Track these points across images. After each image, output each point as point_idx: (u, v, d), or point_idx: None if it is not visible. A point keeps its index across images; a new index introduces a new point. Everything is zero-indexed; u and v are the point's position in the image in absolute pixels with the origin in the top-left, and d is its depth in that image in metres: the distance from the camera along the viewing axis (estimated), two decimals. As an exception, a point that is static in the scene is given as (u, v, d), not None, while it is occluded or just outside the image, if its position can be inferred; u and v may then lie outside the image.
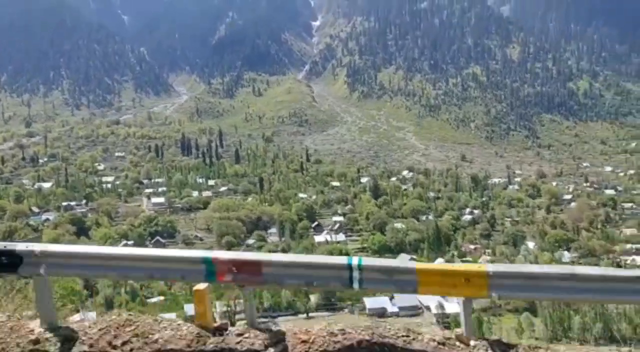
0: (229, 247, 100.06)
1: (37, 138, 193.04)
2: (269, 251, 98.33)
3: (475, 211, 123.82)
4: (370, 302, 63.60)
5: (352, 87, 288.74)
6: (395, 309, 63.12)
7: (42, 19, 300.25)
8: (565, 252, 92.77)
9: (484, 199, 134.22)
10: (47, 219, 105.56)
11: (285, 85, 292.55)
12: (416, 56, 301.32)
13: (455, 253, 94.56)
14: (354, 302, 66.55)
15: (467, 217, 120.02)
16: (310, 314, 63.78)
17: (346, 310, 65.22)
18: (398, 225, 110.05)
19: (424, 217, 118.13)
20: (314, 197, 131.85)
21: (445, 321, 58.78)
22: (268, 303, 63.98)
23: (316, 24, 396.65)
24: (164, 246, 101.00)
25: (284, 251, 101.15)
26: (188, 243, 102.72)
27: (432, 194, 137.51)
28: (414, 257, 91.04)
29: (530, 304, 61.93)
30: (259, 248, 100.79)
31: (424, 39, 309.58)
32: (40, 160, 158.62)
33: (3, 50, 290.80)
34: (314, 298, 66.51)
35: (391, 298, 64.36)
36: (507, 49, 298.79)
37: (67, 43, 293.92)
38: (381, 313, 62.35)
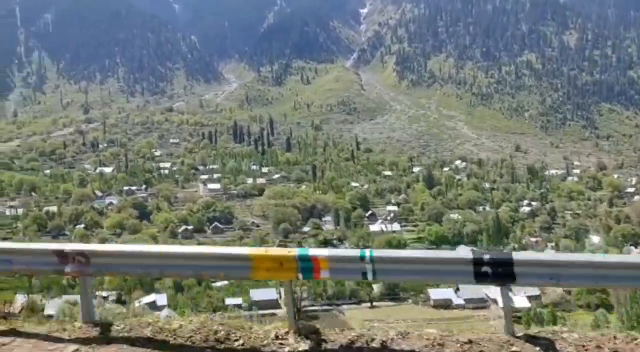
0: (286, 234, 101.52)
1: (95, 124, 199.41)
2: (325, 240, 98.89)
3: (534, 203, 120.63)
4: (434, 293, 62.93)
5: (401, 75, 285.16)
6: (461, 301, 62.30)
7: (97, 8, 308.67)
8: (633, 248, 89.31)
9: (542, 190, 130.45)
10: (111, 203, 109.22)
11: (333, 73, 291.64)
12: (467, 43, 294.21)
13: (516, 246, 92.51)
14: (417, 293, 66.07)
15: (525, 209, 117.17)
16: (374, 304, 63.73)
17: (410, 301, 64.81)
18: (454, 216, 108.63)
19: (480, 209, 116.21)
20: (366, 186, 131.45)
21: (514, 315, 57.59)
22: (332, 291, 64.30)
23: (364, 11, 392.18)
24: (222, 231, 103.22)
25: (339, 239, 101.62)
26: (245, 229, 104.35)
27: (487, 185, 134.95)
28: (474, 249, 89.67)
29: (603, 300, 60.07)
30: (314, 236, 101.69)
31: (476, 25, 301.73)
32: (100, 146, 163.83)
33: (61, 38, 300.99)
34: (377, 288, 66.30)
35: (456, 290, 63.54)
36: (563, 35, 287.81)
37: (121, 32, 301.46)
38: (446, 305, 61.66)
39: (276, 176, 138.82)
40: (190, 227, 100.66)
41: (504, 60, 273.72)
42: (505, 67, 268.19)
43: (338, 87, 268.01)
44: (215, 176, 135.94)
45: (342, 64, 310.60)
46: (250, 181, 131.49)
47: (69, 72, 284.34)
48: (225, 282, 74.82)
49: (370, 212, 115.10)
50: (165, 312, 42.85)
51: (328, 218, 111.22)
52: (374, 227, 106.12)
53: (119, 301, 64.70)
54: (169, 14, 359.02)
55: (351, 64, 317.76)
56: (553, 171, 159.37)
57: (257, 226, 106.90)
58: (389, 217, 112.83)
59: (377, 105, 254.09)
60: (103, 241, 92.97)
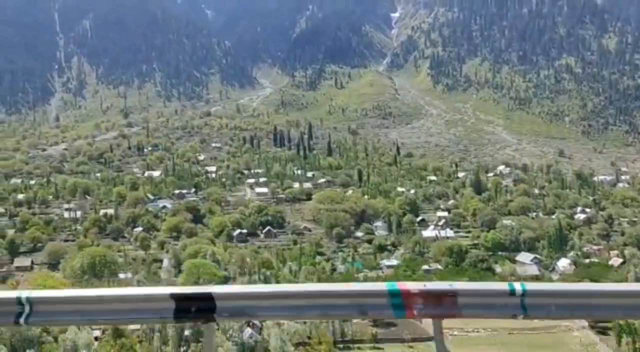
0: (339, 239, 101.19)
1: (137, 128, 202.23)
2: (380, 245, 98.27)
3: (588, 210, 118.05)
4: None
5: (435, 79, 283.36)
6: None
7: (135, 14, 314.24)
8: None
9: (595, 197, 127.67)
10: (165, 207, 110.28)
11: (366, 77, 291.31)
12: (503, 47, 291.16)
13: (579, 253, 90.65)
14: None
15: (580, 216, 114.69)
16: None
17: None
18: (507, 222, 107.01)
19: (532, 215, 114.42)
20: (412, 191, 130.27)
21: (599, 326, 56.08)
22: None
23: (395, 15, 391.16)
24: (275, 235, 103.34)
25: (394, 245, 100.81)
26: (298, 234, 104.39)
27: (536, 191, 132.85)
28: (537, 256, 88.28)
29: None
30: (369, 241, 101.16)
31: (512, 29, 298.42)
32: (145, 150, 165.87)
33: (99, 44, 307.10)
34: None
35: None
36: (602, 39, 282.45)
37: (158, 37, 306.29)
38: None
39: (321, 180, 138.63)
40: (244, 231, 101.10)
41: (541, 64, 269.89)
42: (543, 71, 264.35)
43: (372, 92, 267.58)
44: (261, 180, 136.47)
45: (375, 69, 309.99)
46: (296, 185, 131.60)
47: (108, 77, 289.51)
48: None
49: (420, 217, 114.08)
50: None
51: (379, 223, 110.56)
52: (427, 233, 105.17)
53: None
54: (201, 19, 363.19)
55: (384, 68, 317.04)
56: (601, 177, 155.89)
57: (309, 230, 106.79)
58: (440, 223, 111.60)
59: (413, 110, 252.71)
60: (161, 244, 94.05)
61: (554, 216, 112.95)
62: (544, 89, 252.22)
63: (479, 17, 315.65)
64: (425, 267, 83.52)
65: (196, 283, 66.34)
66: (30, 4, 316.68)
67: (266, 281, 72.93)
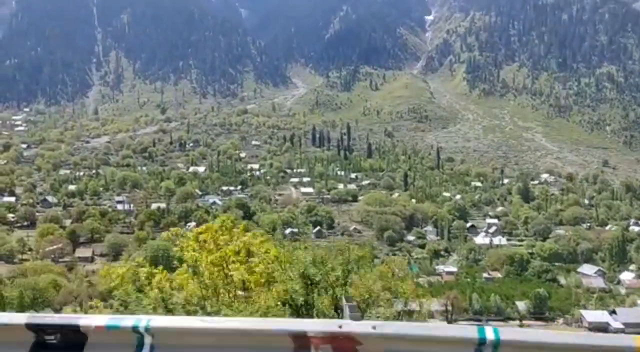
0: (391, 242, 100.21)
1: (175, 124, 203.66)
2: (435, 251, 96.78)
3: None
4: (589, 315, 60.04)
5: (472, 84, 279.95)
6: (619, 325, 59.18)
7: (171, 11, 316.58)
8: None
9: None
10: (214, 202, 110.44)
11: (401, 80, 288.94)
12: (542, 53, 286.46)
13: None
14: (564, 313, 63.43)
15: (634, 228, 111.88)
16: (524, 322, 61.39)
17: (560, 321, 62.14)
18: (561, 232, 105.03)
19: (585, 226, 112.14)
20: (458, 196, 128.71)
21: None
22: (478, 306, 62.37)
23: (429, 18, 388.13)
24: (325, 236, 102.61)
25: (446, 251, 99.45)
26: (348, 235, 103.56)
27: (586, 201, 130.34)
28: (601, 268, 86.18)
29: None
30: (421, 246, 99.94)
31: (551, 35, 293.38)
32: (187, 145, 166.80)
33: (136, 39, 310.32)
34: (521, 305, 63.97)
35: (612, 312, 60.50)
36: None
37: (194, 34, 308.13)
38: (603, 328, 58.57)
39: (365, 182, 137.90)
40: (295, 230, 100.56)
41: (582, 72, 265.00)
42: (584, 78, 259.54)
43: (407, 94, 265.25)
44: (305, 179, 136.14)
45: (409, 71, 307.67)
46: (340, 186, 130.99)
47: (145, 72, 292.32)
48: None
49: (470, 224, 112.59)
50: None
51: (428, 228, 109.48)
52: (478, 240, 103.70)
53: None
54: (235, 18, 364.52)
55: (418, 71, 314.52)
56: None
57: (359, 232, 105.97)
58: (490, 230, 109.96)
59: (449, 114, 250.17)
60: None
61: (607, 227, 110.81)
62: (585, 97, 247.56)
63: (517, 22, 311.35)
64: (485, 275, 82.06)
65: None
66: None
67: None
